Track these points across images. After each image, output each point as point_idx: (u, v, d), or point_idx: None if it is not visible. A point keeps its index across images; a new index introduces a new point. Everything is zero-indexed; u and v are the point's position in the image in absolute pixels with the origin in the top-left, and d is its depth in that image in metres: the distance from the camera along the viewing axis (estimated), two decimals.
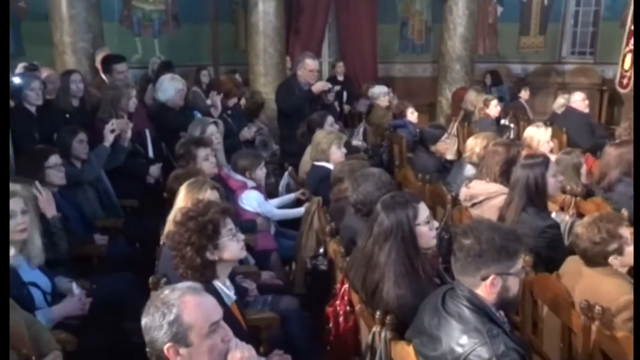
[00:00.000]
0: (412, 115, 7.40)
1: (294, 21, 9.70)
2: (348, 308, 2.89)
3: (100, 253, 3.90)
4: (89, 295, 3.18)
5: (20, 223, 2.96)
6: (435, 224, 2.74)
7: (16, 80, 4.88)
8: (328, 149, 4.67)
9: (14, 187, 3.03)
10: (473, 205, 4.01)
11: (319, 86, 6.02)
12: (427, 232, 2.65)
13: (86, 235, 4.01)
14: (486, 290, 2.13)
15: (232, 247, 2.62)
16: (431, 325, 2.18)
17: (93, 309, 3.16)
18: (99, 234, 4.06)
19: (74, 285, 3.21)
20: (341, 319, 2.91)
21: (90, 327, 3.10)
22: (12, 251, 2.91)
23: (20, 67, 6.05)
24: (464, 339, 2.05)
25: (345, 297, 2.90)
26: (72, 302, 3.10)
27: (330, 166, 4.55)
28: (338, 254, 3.19)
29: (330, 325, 2.95)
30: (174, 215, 3.14)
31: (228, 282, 2.71)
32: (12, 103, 4.75)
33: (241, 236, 2.69)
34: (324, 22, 10.17)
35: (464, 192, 4.10)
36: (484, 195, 3.96)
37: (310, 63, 5.94)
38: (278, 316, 3.10)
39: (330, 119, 5.45)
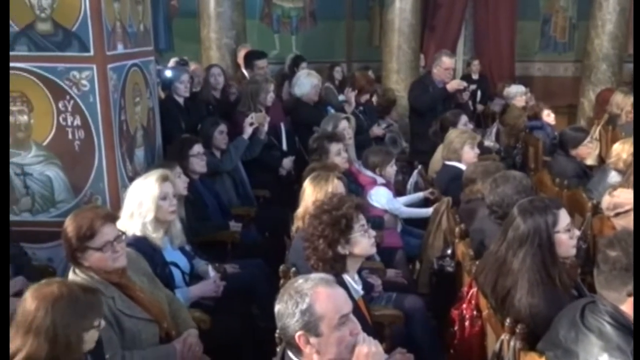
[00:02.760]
0: (547, 117, 7.05)
1: (429, 18, 9.54)
2: (475, 312, 2.82)
3: (234, 239, 4.06)
4: (223, 279, 3.34)
5: (172, 204, 3.16)
6: (577, 232, 2.60)
7: (168, 73, 5.23)
8: (461, 148, 4.57)
9: (165, 172, 3.25)
10: (617, 215, 3.73)
11: (454, 84, 5.93)
12: (566, 241, 2.52)
13: (222, 221, 4.20)
14: (632, 307, 1.98)
15: (363, 242, 2.63)
16: (567, 338, 2.07)
17: (226, 291, 3.31)
18: (234, 221, 4.23)
19: (210, 268, 3.40)
20: (467, 323, 2.84)
21: (222, 308, 3.24)
22: (160, 233, 3.10)
23: (172, 62, 6.52)
24: (605, 357, 1.93)
25: (473, 301, 2.83)
26: (208, 284, 3.28)
27: (462, 166, 4.45)
28: (467, 256, 3.11)
29: (455, 328, 2.90)
30: (304, 208, 3.24)
31: (356, 277, 2.73)
32: (163, 94, 5.12)
33: (372, 232, 2.70)
34: (460, 18, 9.88)
35: (607, 201, 3.83)
36: (630, 205, 3.68)
37: (447, 61, 5.87)
38: (402, 314, 3.08)
39: (464, 118, 5.33)
